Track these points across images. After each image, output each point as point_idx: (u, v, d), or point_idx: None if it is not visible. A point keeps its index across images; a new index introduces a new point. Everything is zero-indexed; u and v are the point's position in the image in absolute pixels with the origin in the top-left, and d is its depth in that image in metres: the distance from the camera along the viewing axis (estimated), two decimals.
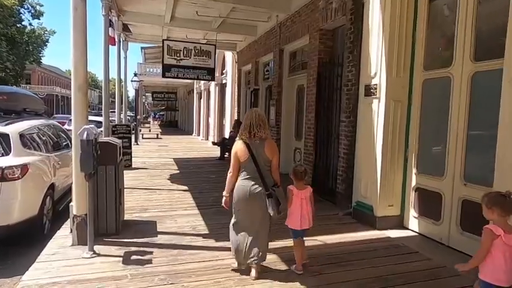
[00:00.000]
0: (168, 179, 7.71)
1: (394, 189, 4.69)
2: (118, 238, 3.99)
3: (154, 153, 12.52)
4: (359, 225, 4.76)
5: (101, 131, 7.09)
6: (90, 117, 13.44)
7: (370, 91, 4.75)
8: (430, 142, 4.46)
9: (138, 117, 19.36)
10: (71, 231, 3.91)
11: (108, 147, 4.01)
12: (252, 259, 3.10)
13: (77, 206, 3.77)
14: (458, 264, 2.34)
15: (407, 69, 4.60)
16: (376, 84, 4.64)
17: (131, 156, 9.30)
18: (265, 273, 3.20)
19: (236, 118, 11.57)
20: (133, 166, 9.20)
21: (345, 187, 5.46)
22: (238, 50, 12.28)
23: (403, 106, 4.63)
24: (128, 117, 27.43)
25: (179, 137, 22.19)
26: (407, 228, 4.63)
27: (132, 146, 14.33)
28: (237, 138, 3.21)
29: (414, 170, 4.55)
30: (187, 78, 9.92)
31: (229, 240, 3.32)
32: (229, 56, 13.52)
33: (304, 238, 3.33)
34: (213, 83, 16.50)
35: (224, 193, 3.25)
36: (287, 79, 8.36)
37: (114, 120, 10.58)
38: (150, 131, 23.06)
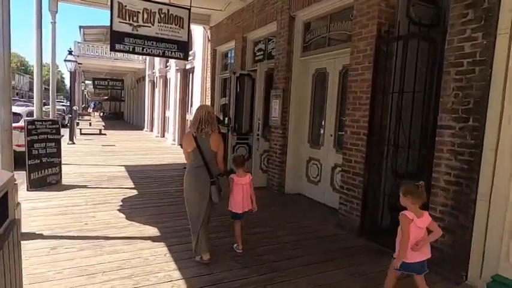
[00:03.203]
0: (122, 210, 4.83)
1: None
2: None
3: (97, 158, 9.27)
4: None
5: None
6: (14, 108, 9.75)
7: None
8: None
9: (75, 108, 15.53)
10: None
11: None
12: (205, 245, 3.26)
13: None
14: (393, 262, 2.48)
15: None
16: None
17: (60, 169, 6.17)
18: None
19: (214, 114, 8.80)
20: (63, 183, 6.10)
21: (451, 241, 3.17)
22: (213, 24, 9.48)
23: None
24: (62, 107, 22.95)
25: (128, 132, 18.59)
26: None
27: (67, 146, 10.90)
28: (187, 130, 3.60)
29: None
30: (148, 55, 6.94)
31: None
32: (199, 32, 10.59)
33: None
34: (173, 68, 13.44)
35: None
36: (299, 60, 5.87)
37: (33, 111, 7.26)
38: (90, 125, 19.16)
